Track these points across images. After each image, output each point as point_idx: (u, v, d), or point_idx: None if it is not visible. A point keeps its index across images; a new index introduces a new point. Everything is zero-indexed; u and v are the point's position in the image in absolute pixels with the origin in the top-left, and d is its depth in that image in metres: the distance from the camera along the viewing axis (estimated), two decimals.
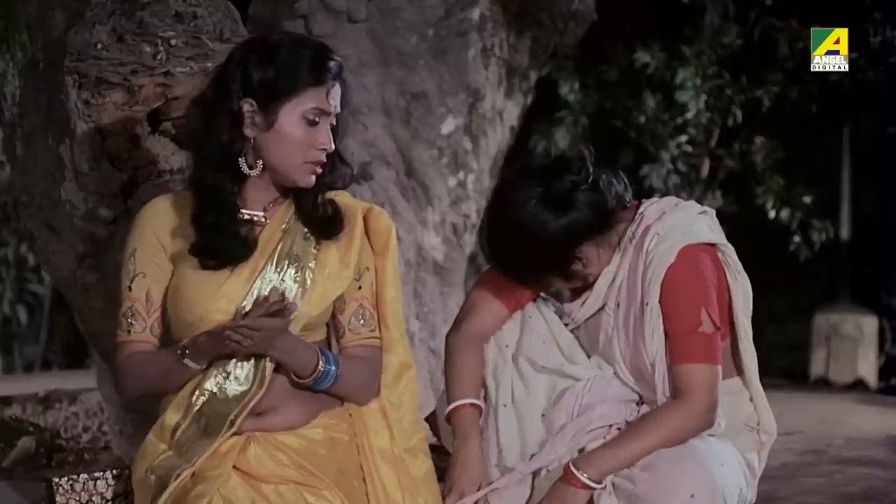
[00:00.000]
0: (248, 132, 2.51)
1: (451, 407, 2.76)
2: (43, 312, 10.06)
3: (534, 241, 2.67)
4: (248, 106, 2.49)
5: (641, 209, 2.77)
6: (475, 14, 5.24)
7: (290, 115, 2.49)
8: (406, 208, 5.19)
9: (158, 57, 3.26)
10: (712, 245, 2.74)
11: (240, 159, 2.52)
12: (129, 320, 2.57)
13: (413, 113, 5.17)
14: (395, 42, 5.08)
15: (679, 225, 2.71)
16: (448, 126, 5.26)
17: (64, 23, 3.56)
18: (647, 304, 2.68)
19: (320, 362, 2.51)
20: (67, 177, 3.45)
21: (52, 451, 5.04)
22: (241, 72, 2.51)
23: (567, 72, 7.77)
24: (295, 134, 2.50)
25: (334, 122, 2.55)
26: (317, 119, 2.50)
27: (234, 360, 2.51)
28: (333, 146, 2.54)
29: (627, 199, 2.78)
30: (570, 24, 5.59)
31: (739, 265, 2.77)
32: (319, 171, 2.53)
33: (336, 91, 2.53)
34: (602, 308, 2.78)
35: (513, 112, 5.65)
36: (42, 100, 3.57)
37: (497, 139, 5.53)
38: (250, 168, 2.52)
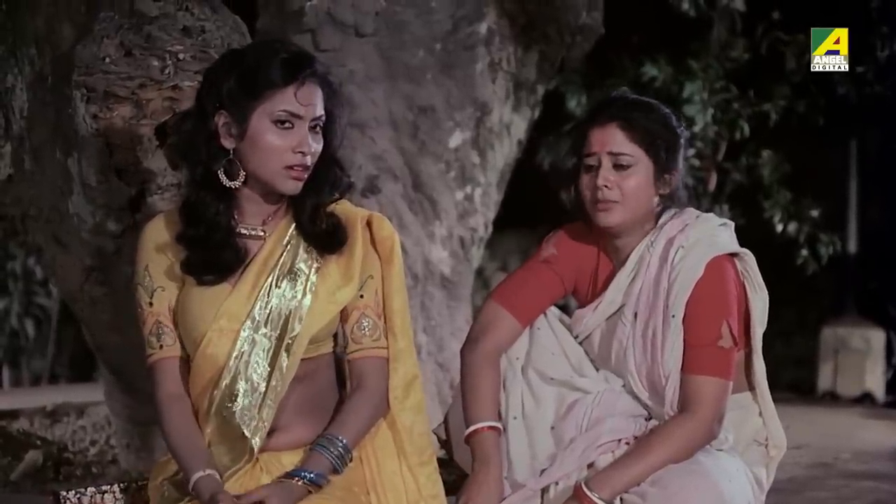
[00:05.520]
0: (227, 143, 2.46)
1: (471, 430, 2.74)
2: (50, 326, 10.09)
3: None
4: (222, 118, 2.45)
5: (661, 220, 2.77)
6: (483, 28, 5.25)
7: (261, 121, 2.44)
8: (413, 222, 5.19)
9: (166, 71, 3.27)
10: (735, 255, 2.74)
11: (218, 172, 2.47)
12: (159, 336, 2.52)
13: (420, 127, 5.17)
14: (402, 56, 5.09)
15: (704, 237, 2.71)
16: (455, 140, 5.27)
17: (72, 37, 3.57)
18: (672, 316, 2.67)
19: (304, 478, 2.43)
20: (75, 190, 3.45)
21: (59, 464, 5.04)
22: (214, 85, 2.48)
23: (574, 85, 7.80)
24: (269, 139, 2.44)
25: (318, 126, 2.49)
26: (290, 122, 2.45)
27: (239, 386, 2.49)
28: (314, 149, 2.48)
29: (679, 200, 2.78)
30: (577, 37, 5.60)
31: (759, 276, 2.77)
32: (303, 176, 2.48)
33: (308, 91, 2.46)
34: (615, 314, 2.78)
35: (520, 126, 5.66)
36: (50, 113, 3.58)
37: (504, 153, 5.54)
38: (231, 179, 2.47)
